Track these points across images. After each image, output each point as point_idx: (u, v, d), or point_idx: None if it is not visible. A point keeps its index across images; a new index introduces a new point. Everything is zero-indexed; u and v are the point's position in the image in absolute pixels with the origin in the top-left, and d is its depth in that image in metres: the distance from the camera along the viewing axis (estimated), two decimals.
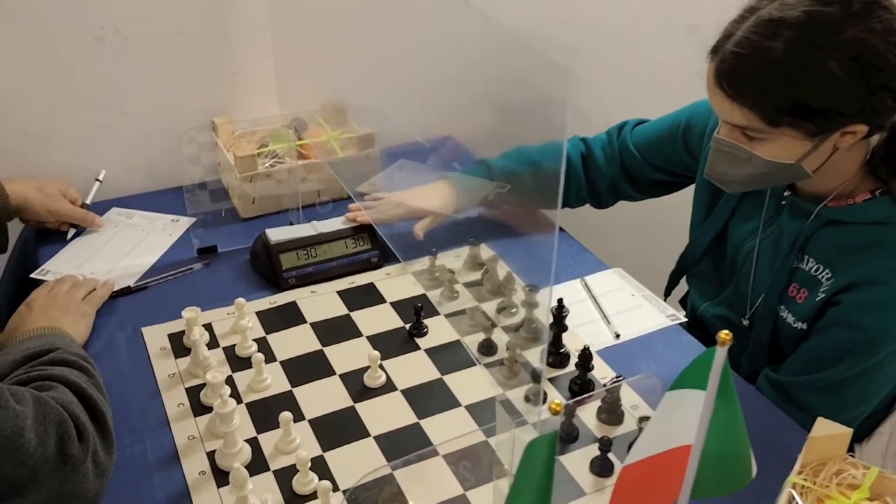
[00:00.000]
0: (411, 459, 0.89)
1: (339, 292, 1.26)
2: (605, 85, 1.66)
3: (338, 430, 1.00)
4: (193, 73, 1.49)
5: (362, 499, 0.73)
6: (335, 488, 0.91)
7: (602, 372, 1.10)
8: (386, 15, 1.50)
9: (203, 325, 1.15)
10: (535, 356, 1.13)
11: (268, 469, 0.95)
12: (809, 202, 1.06)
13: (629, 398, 1.04)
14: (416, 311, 1.16)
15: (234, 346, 1.13)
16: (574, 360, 1.10)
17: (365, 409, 1.03)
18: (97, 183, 1.46)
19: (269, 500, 0.86)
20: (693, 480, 0.63)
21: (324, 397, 1.05)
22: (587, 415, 1.02)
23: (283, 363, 1.11)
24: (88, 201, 1.42)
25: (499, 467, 0.92)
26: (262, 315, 1.20)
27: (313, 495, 0.91)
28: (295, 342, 1.15)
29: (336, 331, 1.17)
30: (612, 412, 1.01)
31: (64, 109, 1.43)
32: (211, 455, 0.96)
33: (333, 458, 0.96)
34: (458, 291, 1.26)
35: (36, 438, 0.77)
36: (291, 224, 1.38)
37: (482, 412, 1.03)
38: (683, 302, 1.40)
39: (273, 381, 1.07)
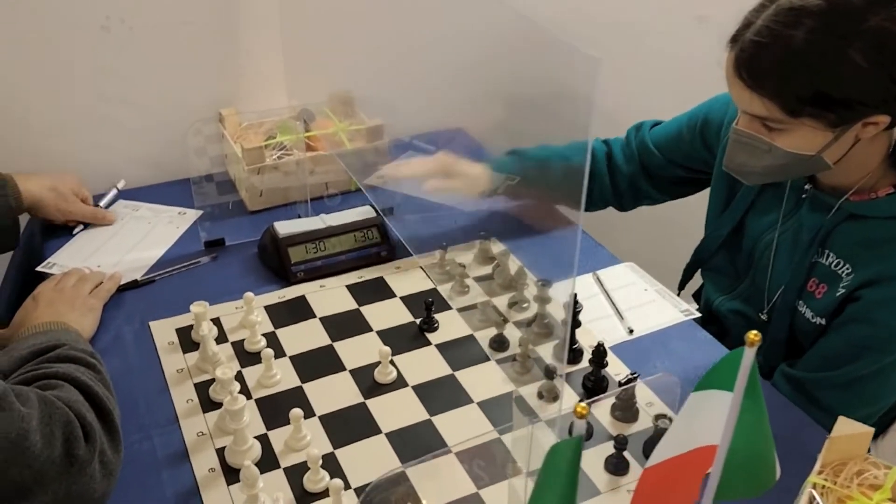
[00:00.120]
0: (425, 460, 0.87)
1: (348, 286, 1.24)
2: (611, 78, 1.63)
3: (349, 426, 0.99)
4: (200, 63, 1.47)
5: (377, 501, 0.72)
6: (347, 486, 0.90)
7: (616, 368, 1.08)
8: (397, 4, 1.48)
9: (211, 320, 1.14)
10: (547, 352, 1.11)
11: (278, 466, 0.93)
12: (831, 196, 1.05)
13: (644, 395, 1.02)
14: (426, 306, 1.14)
15: (243, 340, 1.12)
16: (587, 355, 1.08)
17: (376, 406, 1.02)
18: (115, 190, 1.44)
19: (280, 498, 0.85)
20: (718, 482, 0.61)
21: (334, 393, 1.04)
22: (601, 412, 1.01)
23: (292, 358, 1.10)
24: (102, 205, 1.40)
25: (513, 465, 0.91)
26: (270, 309, 1.19)
27: (324, 493, 0.89)
28: (304, 337, 1.13)
29: (345, 326, 1.16)
30: (626, 409, 1.00)
31: (69, 101, 1.41)
32: (220, 452, 0.95)
33: (344, 455, 0.95)
34: (469, 286, 1.24)
35: (42, 440, 0.75)
36: (299, 217, 1.36)
37: (495, 409, 1.01)
38: (697, 296, 1.39)
39: (282, 376, 1.06)
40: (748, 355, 0.55)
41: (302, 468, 0.92)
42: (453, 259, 1.28)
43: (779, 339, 1.11)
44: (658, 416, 0.94)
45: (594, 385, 1.04)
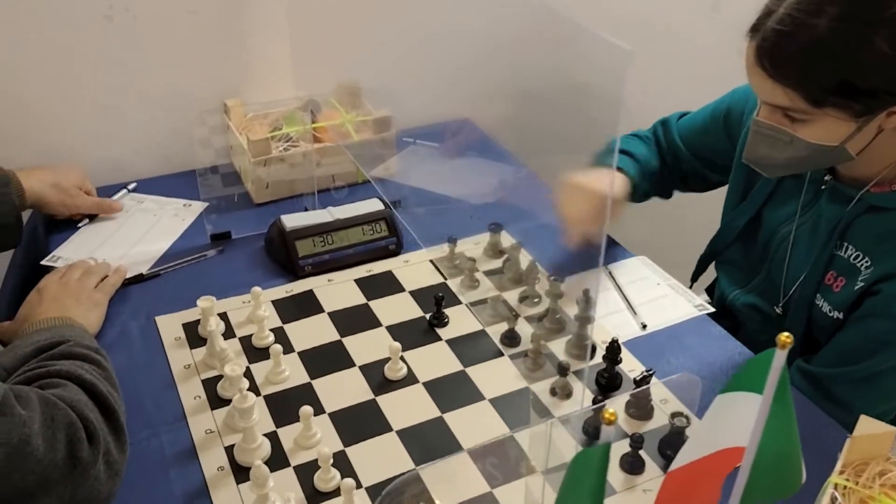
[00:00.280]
0: (438, 462, 0.86)
1: (356, 280, 1.22)
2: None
3: (359, 424, 0.97)
4: (205, 53, 1.45)
5: None
6: (358, 485, 0.88)
7: (629, 364, 1.07)
8: None
9: (218, 314, 1.12)
10: (559, 347, 1.10)
11: (288, 465, 0.92)
12: (851, 187, 1.03)
13: (658, 392, 1.01)
14: (436, 300, 1.13)
15: (251, 336, 1.10)
16: (600, 351, 1.07)
17: (386, 403, 1.01)
18: (124, 191, 1.42)
19: (291, 498, 0.84)
20: (744, 486, 0.60)
21: (344, 390, 1.02)
22: (615, 409, 0.99)
23: (300, 354, 1.08)
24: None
25: (527, 464, 0.89)
26: (278, 304, 1.17)
27: (335, 492, 0.88)
28: (313, 332, 1.12)
29: (354, 320, 1.14)
30: (641, 407, 0.98)
31: (72, 90, 1.39)
32: (229, 450, 0.93)
33: (355, 453, 0.93)
34: (479, 280, 1.22)
35: (44, 444, 0.73)
36: (306, 210, 1.34)
37: (507, 406, 1.00)
38: (709, 291, 1.37)
39: (291, 372, 1.04)
40: (779, 357, 0.54)
41: (312, 466, 0.90)
42: (462, 253, 1.26)
43: (795, 333, 1.09)
44: (674, 415, 0.92)
45: (608, 382, 1.03)
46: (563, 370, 1.00)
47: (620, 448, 0.93)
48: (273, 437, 0.95)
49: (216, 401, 1.00)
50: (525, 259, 1.24)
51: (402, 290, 1.21)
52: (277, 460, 0.92)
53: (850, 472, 0.81)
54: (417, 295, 1.20)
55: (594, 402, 0.98)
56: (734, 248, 1.22)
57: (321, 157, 1.40)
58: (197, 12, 1.40)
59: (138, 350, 1.08)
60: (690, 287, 1.27)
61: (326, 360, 1.07)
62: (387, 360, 1.05)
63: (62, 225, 1.33)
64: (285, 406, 0.99)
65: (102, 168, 1.43)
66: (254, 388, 1.02)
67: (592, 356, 1.08)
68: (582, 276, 1.20)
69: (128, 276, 1.20)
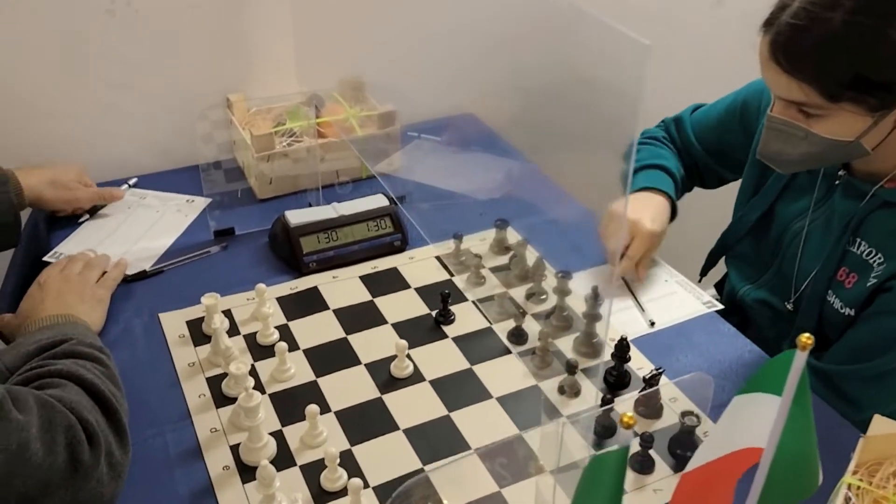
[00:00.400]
0: (448, 463, 0.85)
1: (361, 277, 1.21)
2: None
3: (365, 423, 0.96)
4: (207, 47, 1.43)
5: None
6: (365, 485, 0.87)
7: (637, 362, 1.06)
8: None
9: (222, 312, 1.11)
10: (566, 345, 1.09)
11: (294, 464, 0.91)
12: (865, 182, 1.01)
13: (668, 391, 1.00)
14: (443, 298, 1.12)
15: (256, 333, 1.09)
16: (608, 349, 1.06)
17: (393, 401, 1.00)
18: (126, 186, 1.41)
19: (298, 499, 0.83)
20: (762, 489, 0.59)
21: (350, 388, 1.01)
22: (623, 408, 0.98)
23: (306, 352, 1.07)
24: None
25: (535, 463, 0.89)
26: (282, 301, 1.16)
27: (342, 492, 0.87)
28: (318, 330, 1.11)
29: (360, 318, 1.13)
30: (650, 405, 0.97)
31: (73, 85, 1.38)
32: (235, 449, 0.92)
33: (362, 452, 0.92)
34: (485, 277, 1.21)
35: (43, 448, 0.72)
36: (310, 206, 1.33)
37: (515, 405, 0.99)
38: (718, 287, 1.36)
39: (296, 370, 1.03)
40: (799, 358, 0.53)
41: (318, 466, 0.89)
42: (468, 249, 1.25)
43: (805, 329, 1.08)
44: (685, 414, 0.91)
45: (616, 380, 1.02)
46: (571, 368, 0.99)
47: (631, 447, 0.92)
48: (279, 436, 0.94)
49: (221, 399, 0.99)
50: (531, 255, 1.23)
51: (407, 286, 1.20)
52: (283, 459, 0.91)
53: (863, 472, 0.80)
54: (423, 292, 1.18)
55: (603, 400, 0.97)
56: (745, 243, 1.21)
57: (325, 153, 1.39)
58: (199, 6, 1.39)
59: (142, 347, 1.07)
60: (699, 282, 1.26)
61: (332, 357, 1.06)
62: (393, 357, 1.04)
63: (63, 221, 1.32)
64: (291, 404, 0.98)
65: (104, 163, 1.42)
66: (259, 386, 1.01)
67: (600, 354, 1.07)
68: (590, 273, 1.19)
69: (131, 272, 1.19)
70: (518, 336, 1.09)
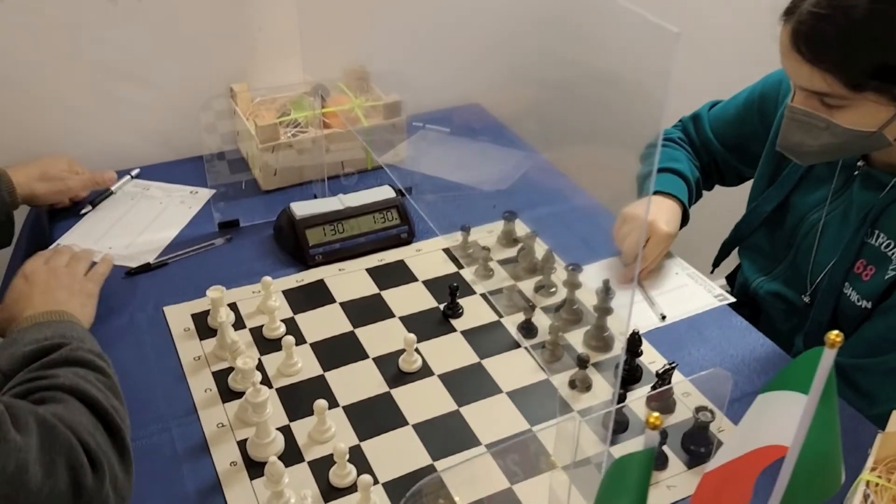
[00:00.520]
0: (459, 462, 0.83)
1: (367, 270, 1.20)
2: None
3: (374, 418, 0.95)
4: (211, 36, 1.41)
5: None
6: (375, 481, 0.86)
7: (649, 356, 1.04)
8: None
9: (227, 305, 1.10)
10: (576, 339, 1.07)
11: (302, 460, 0.90)
12: (885, 173, 1.00)
13: (681, 386, 0.98)
14: (451, 291, 1.10)
15: (262, 327, 1.08)
16: (619, 343, 1.05)
17: (401, 396, 0.98)
18: (128, 177, 1.39)
19: (308, 496, 0.81)
20: (785, 489, 0.57)
21: (358, 382, 1.00)
22: (636, 403, 0.97)
23: (313, 346, 1.06)
24: (114, 189, 1.35)
25: (546, 458, 0.87)
26: (288, 294, 1.14)
27: (351, 488, 0.86)
28: (324, 323, 1.09)
29: (367, 311, 1.12)
30: (663, 400, 0.96)
31: (74, 75, 1.36)
32: (242, 444, 0.91)
33: (371, 448, 0.91)
34: (493, 269, 1.20)
35: (42, 471, 0.67)
36: (315, 197, 1.31)
37: (525, 399, 0.98)
38: (730, 278, 1.34)
39: (304, 364, 1.02)
40: (828, 356, 0.51)
41: (327, 461, 0.88)
42: (476, 241, 1.24)
43: (821, 322, 1.07)
44: (699, 409, 0.90)
45: (627, 374, 1.00)
46: (582, 362, 0.98)
47: (642, 443, 0.91)
48: (286, 432, 0.93)
49: (227, 394, 0.98)
50: (540, 248, 1.21)
51: (414, 279, 1.18)
52: (291, 455, 0.90)
53: (882, 468, 0.79)
54: (430, 285, 1.17)
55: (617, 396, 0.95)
56: (760, 234, 1.20)
57: (330, 143, 1.37)
58: None
59: (146, 341, 1.06)
60: (711, 272, 1.25)
61: (339, 351, 1.05)
62: (401, 351, 1.03)
63: (65, 213, 1.30)
64: (298, 399, 0.97)
65: (105, 154, 1.40)
66: (266, 381, 0.99)
67: (610, 348, 1.06)
68: (600, 266, 1.18)
69: (135, 265, 1.18)
70: (528, 329, 1.08)
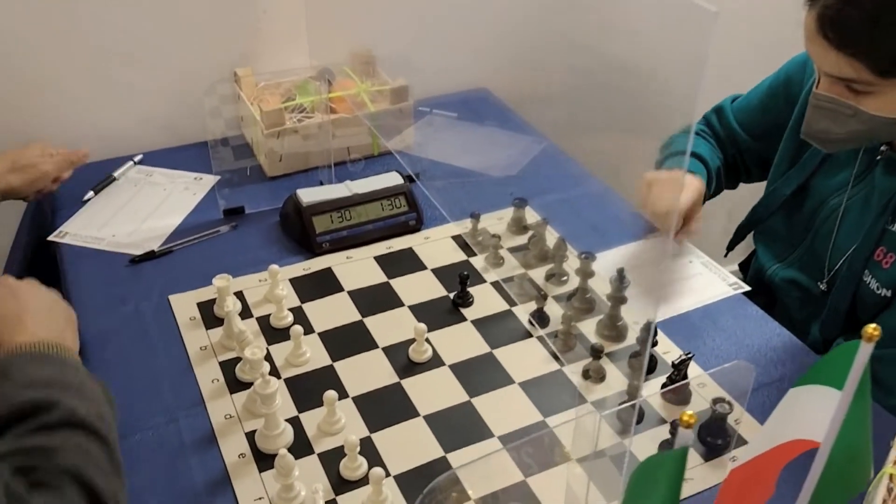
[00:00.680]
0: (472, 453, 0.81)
1: (376, 258, 1.18)
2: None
3: (384, 409, 0.93)
4: (214, 20, 1.38)
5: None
6: (386, 473, 0.85)
7: (664, 346, 1.03)
8: None
9: (234, 294, 1.08)
10: (589, 328, 1.05)
11: (312, 452, 0.88)
12: None
13: (697, 377, 0.97)
14: (461, 279, 1.08)
15: (269, 315, 1.06)
16: (633, 333, 1.03)
17: (412, 386, 0.96)
18: (130, 163, 1.36)
19: (319, 489, 0.80)
20: (816, 484, 0.55)
21: (367, 373, 0.98)
22: (651, 393, 0.95)
23: (321, 335, 1.04)
24: (116, 175, 1.33)
25: (560, 451, 0.86)
26: (295, 282, 1.12)
27: (362, 481, 0.84)
28: (333, 312, 1.07)
29: (376, 300, 1.10)
30: (678, 391, 0.94)
31: (75, 60, 1.33)
32: (250, 436, 0.89)
33: (381, 439, 0.90)
34: (504, 257, 1.18)
35: None
36: (321, 184, 1.29)
37: (538, 390, 0.96)
38: (744, 265, 1.32)
39: (312, 354, 1.00)
40: (864, 351, 0.49)
41: (337, 453, 0.87)
42: (485, 229, 1.22)
43: (838, 310, 1.05)
44: (716, 400, 0.88)
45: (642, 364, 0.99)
46: (596, 353, 0.96)
47: (659, 434, 0.90)
48: (295, 423, 0.91)
49: (235, 384, 0.96)
50: (551, 235, 1.19)
51: (423, 267, 1.16)
52: (301, 447, 0.88)
53: None
54: (439, 273, 1.15)
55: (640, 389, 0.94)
56: (777, 218, 1.17)
57: (336, 129, 1.34)
58: None
59: (152, 331, 1.04)
60: (725, 256, 1.22)
61: (348, 341, 1.03)
62: (411, 341, 1.01)
63: (68, 200, 1.28)
64: (307, 390, 0.95)
65: (108, 139, 1.38)
66: (273, 371, 0.98)
67: (624, 338, 1.04)
68: (614, 254, 1.16)
69: (139, 252, 1.16)
70: (540, 319, 1.06)
